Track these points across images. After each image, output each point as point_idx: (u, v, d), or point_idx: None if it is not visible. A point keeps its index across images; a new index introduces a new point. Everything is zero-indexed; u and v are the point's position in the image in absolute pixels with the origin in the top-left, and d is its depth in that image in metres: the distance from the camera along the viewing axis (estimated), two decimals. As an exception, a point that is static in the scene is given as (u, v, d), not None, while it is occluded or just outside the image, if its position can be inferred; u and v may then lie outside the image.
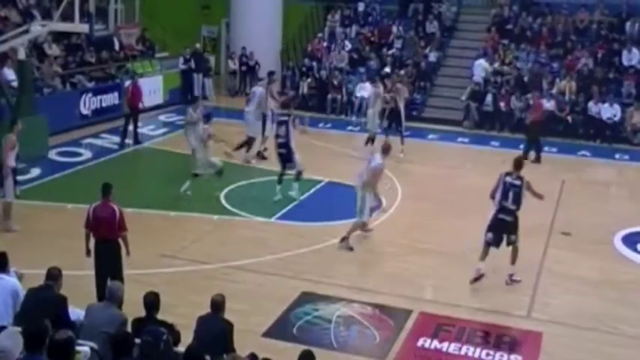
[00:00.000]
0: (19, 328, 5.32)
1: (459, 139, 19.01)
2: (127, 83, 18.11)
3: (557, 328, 9.13)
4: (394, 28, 23.43)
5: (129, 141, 16.97)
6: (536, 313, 9.51)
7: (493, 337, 8.83)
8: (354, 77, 21.84)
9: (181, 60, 22.20)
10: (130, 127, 16.95)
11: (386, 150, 11.58)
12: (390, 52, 22.67)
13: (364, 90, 20.52)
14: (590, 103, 19.49)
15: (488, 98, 20.24)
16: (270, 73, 17.02)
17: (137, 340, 5.81)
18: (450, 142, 18.74)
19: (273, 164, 15.56)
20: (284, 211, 12.85)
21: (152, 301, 6.79)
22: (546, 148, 18.14)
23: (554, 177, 15.09)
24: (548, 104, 19.46)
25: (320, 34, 23.87)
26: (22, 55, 15.56)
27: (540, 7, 22.93)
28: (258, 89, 16.29)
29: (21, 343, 4.28)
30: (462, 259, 10.98)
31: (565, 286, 10.40)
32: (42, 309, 6.08)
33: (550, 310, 9.60)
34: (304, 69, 22.63)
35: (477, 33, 22.96)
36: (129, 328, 6.53)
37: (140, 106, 17.44)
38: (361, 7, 24.52)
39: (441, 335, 8.80)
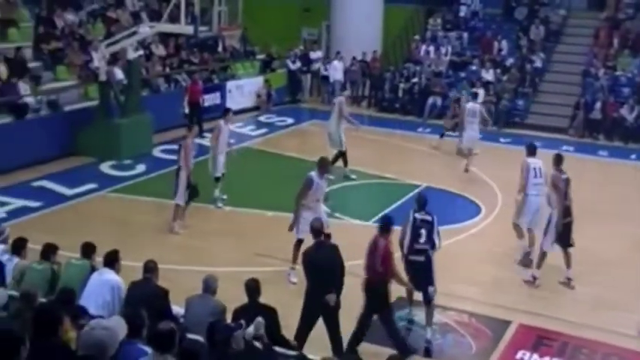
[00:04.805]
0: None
1: (564, 148, 18.26)
2: (188, 83, 18.47)
3: (670, 350, 8.59)
4: (497, 33, 22.90)
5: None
6: (647, 333, 8.98)
7: (599, 355, 8.40)
8: (458, 82, 21.47)
9: (288, 61, 22.58)
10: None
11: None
12: (493, 56, 22.16)
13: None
14: None
15: (597, 106, 19.45)
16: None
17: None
18: (553, 150, 17.98)
19: (371, 167, 15.51)
20: (382, 214, 12.69)
21: (253, 287, 6.89)
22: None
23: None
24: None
25: (416, 37, 23.64)
26: (131, 55, 16.13)
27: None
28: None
29: (124, 327, 4.39)
30: (562, 271, 10.53)
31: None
32: (145, 302, 6.19)
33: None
34: (404, 72, 22.43)
35: (585, 37, 22.12)
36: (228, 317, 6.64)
37: (200, 102, 17.85)
38: (463, 11, 24.12)
39: (542, 349, 8.46)
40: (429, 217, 8.72)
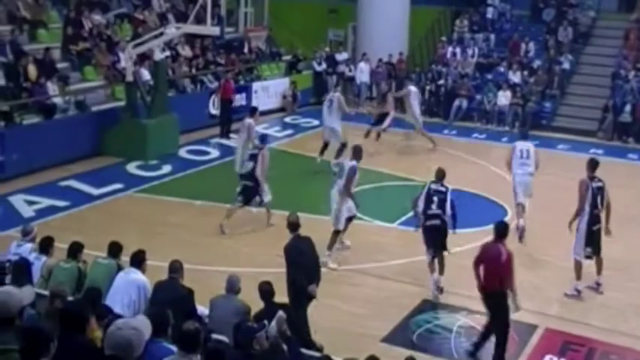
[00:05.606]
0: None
1: (592, 150, 18.04)
2: (221, 81, 18.69)
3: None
4: (525, 34, 22.68)
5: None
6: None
7: (628, 362, 8.27)
8: (484, 84, 21.28)
9: (314, 62, 22.59)
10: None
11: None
12: (520, 58, 21.95)
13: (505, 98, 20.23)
14: None
15: (627, 108, 19.18)
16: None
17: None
18: (581, 153, 17.77)
19: (396, 169, 15.44)
20: (407, 216, 12.62)
21: (267, 290, 6.94)
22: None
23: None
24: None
25: (443, 38, 23.49)
26: (157, 56, 16.23)
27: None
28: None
29: (149, 327, 4.41)
30: (589, 275, 10.38)
31: None
32: (171, 302, 6.21)
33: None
34: (430, 74, 22.31)
35: (615, 39, 21.82)
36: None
37: (232, 100, 18.16)
38: (490, 13, 23.92)
39: (569, 354, 8.36)
40: (442, 188, 9.67)
